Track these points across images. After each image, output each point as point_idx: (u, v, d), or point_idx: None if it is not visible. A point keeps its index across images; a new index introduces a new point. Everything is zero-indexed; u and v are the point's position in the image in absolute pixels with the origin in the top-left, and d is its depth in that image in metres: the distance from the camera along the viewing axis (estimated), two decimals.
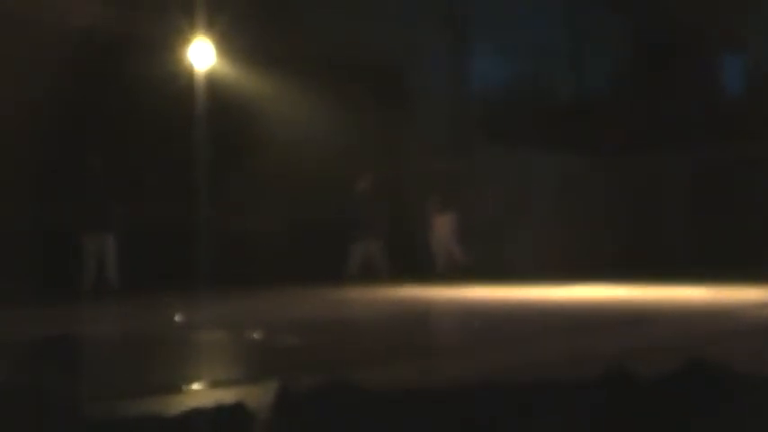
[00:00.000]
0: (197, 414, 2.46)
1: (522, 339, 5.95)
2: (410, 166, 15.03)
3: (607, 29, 17.35)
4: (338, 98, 13.92)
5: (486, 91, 17.15)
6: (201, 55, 13.38)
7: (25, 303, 9.91)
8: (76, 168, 12.13)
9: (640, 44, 16.50)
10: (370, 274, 13.05)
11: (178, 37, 13.30)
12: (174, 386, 4.38)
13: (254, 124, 14.12)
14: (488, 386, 2.91)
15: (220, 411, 2.37)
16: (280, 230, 13.87)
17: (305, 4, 14.71)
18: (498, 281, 11.88)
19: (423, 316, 8.74)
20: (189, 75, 13.41)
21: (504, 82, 17.25)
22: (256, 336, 7.05)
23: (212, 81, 13.46)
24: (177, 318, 8.68)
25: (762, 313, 7.58)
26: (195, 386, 4.48)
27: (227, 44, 13.65)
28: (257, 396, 3.82)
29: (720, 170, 14.62)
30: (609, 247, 14.61)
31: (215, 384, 4.53)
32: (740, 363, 3.30)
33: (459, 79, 17.12)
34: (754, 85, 15.89)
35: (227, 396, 4.10)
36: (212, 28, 13.29)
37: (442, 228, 13.84)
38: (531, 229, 15.12)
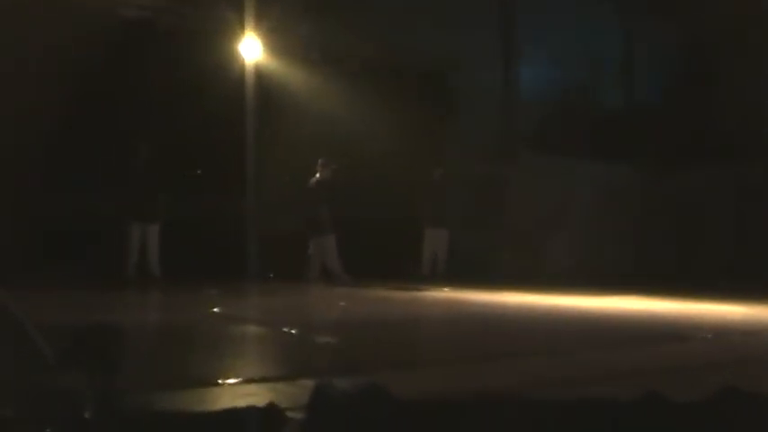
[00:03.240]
0: (229, 414, 2.50)
1: (547, 353, 5.92)
2: (453, 169, 15.02)
3: (658, 39, 17.15)
4: (385, 99, 13.96)
5: (534, 97, 17.05)
6: (250, 50, 13.51)
7: (68, 289, 10.09)
8: (125, 156, 12.33)
9: (690, 56, 16.29)
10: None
11: (228, 31, 13.45)
12: (206, 381, 4.44)
13: (300, 121, 14.21)
14: (510, 400, 2.91)
15: (253, 412, 2.41)
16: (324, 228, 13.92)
17: (354, 4, 14.76)
18: (537, 288, 11.82)
19: (454, 319, 8.74)
20: (239, 69, 13.56)
21: (553, 89, 17.13)
22: (293, 331, 7.09)
23: (260, 76, 13.58)
24: (216, 310, 8.78)
25: None
26: (226, 382, 4.53)
27: (277, 40, 13.76)
28: (290, 395, 3.88)
29: (765, 186, 14.40)
30: (650, 259, 14.46)
31: (248, 381, 4.57)
32: None
33: (508, 84, 17.04)
34: None
35: (259, 393, 4.17)
36: (262, 23, 13.42)
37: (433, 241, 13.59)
38: (573, 238, 15.02)
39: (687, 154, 15.10)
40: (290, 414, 2.59)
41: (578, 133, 15.97)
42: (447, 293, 11.86)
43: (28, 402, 2.45)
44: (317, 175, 12.87)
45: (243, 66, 13.55)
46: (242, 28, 13.48)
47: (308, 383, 4.31)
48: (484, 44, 16.65)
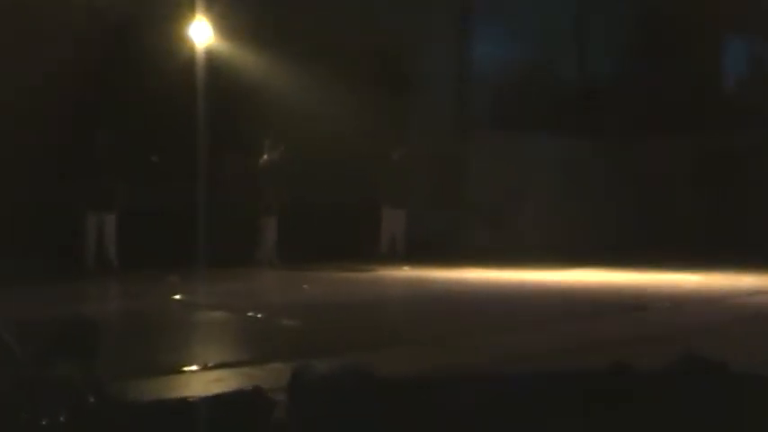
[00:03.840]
0: (216, 399, 2.50)
1: (511, 327, 6.00)
2: (411, 149, 15.03)
3: (612, 12, 17.30)
4: (339, 80, 13.91)
5: (490, 74, 17.11)
6: (201, 33, 13.37)
7: (26, 280, 9.95)
8: (80, 146, 12.16)
9: (644, 28, 16.46)
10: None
11: (178, 15, 13.29)
12: (175, 368, 4.43)
13: (254, 104, 14.11)
14: (478, 376, 2.95)
15: (240, 396, 2.42)
16: (283, 211, 13.89)
17: None
18: (499, 264, 11.93)
19: (424, 298, 8.79)
20: (189, 52, 13.40)
21: (508, 65, 17.20)
22: (258, 315, 7.08)
23: (211, 59, 13.44)
24: (176, 297, 8.73)
25: (751, 301, 7.64)
26: (195, 368, 4.52)
27: (227, 23, 13.63)
28: (260, 379, 3.89)
29: (721, 156, 14.65)
30: (608, 232, 14.67)
31: (217, 366, 4.57)
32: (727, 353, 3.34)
33: (463, 62, 17.09)
34: (758, 70, 15.88)
35: (228, 378, 4.18)
36: (212, 6, 13.28)
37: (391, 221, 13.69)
38: (532, 213, 15.17)
39: (644, 126, 15.29)
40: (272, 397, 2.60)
41: (535, 108, 16.08)
42: (407, 272, 11.92)
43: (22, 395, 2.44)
44: (265, 156, 12.90)
45: (194, 50, 13.40)
46: (192, 12, 13.32)
47: (277, 367, 4.35)
48: (437, 22, 16.67)
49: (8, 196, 11.95)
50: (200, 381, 4.10)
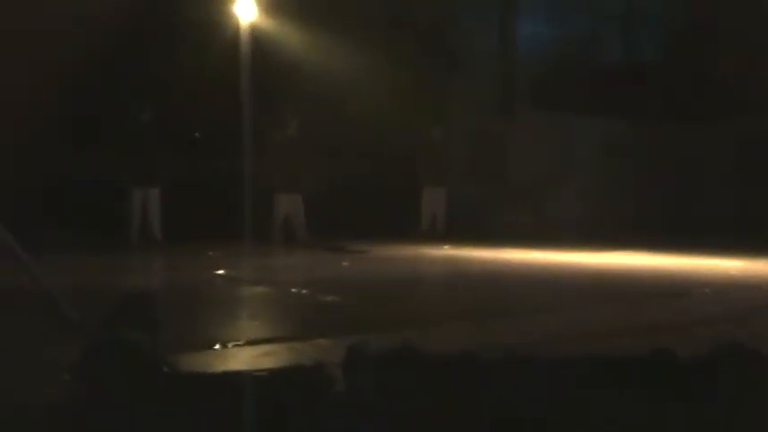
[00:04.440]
0: (278, 373, 2.59)
1: (554, 309, 6.04)
2: (452, 127, 14.99)
3: None
4: (382, 57, 13.92)
5: (534, 52, 16.98)
6: (246, 9, 13.44)
7: (72, 253, 10.17)
8: (125, 121, 12.33)
9: (691, 10, 16.22)
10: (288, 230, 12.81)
11: None
12: (224, 341, 4.53)
13: (298, 80, 14.18)
14: (514, 359, 3.00)
15: (302, 371, 2.50)
16: (321, 188, 13.99)
17: None
18: (541, 245, 11.92)
19: (459, 276, 8.85)
20: (234, 29, 13.49)
21: (553, 44, 17.06)
22: (298, 292, 7.18)
23: (256, 36, 13.51)
24: (219, 272, 8.86)
25: None
26: (245, 342, 4.62)
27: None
28: (308, 354, 3.98)
29: (765, 142, 14.45)
30: (650, 216, 14.56)
31: (265, 341, 4.66)
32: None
33: (507, 41, 16.99)
34: None
35: (277, 353, 4.27)
36: None
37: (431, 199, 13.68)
38: (574, 194, 15.10)
39: (688, 109, 15.11)
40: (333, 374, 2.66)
41: (578, 89, 15.96)
42: (447, 251, 11.97)
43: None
44: (287, 131, 12.88)
45: (238, 26, 13.48)
46: None
47: (322, 342, 4.44)
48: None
49: (55, 171, 12.19)
50: (247, 355, 4.19)
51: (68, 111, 12.22)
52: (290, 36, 14.15)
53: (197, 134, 14.15)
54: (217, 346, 4.33)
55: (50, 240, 10.81)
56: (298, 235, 12.65)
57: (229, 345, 4.41)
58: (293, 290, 7.26)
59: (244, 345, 4.46)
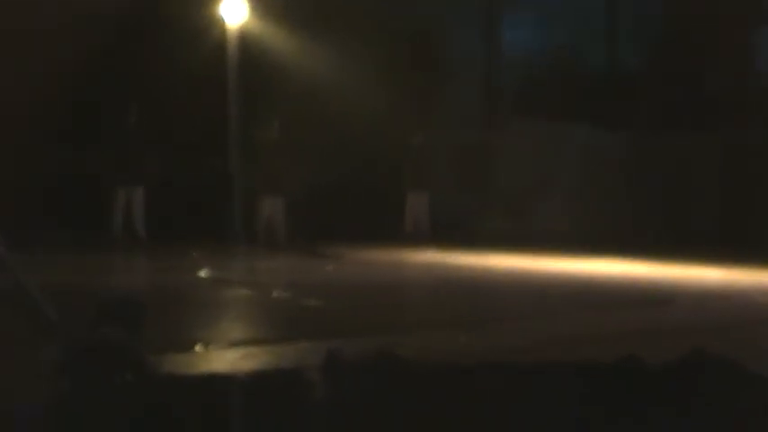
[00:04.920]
0: (256, 376, 2.62)
1: (535, 315, 6.09)
2: (440, 133, 15.05)
3: (644, 1, 17.18)
4: (369, 62, 13.97)
5: (520, 61, 17.06)
6: (234, 11, 13.47)
7: (55, 251, 10.15)
8: (110, 119, 12.33)
9: (678, 18, 16.31)
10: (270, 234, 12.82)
11: None
12: (204, 343, 4.55)
13: (284, 83, 14.21)
14: (490, 366, 3.04)
15: (281, 374, 2.53)
16: (305, 191, 14.01)
17: None
18: (523, 251, 11.97)
19: (445, 284, 8.88)
20: (221, 30, 13.52)
21: (538, 52, 17.13)
22: (279, 295, 7.19)
23: (243, 38, 13.54)
24: (201, 273, 8.87)
25: None
26: (225, 344, 4.64)
27: (259, 2, 13.72)
28: (288, 357, 4.01)
29: (750, 151, 14.56)
30: (634, 223, 14.64)
31: (246, 343, 4.69)
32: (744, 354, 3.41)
33: (493, 48, 17.06)
34: None
35: (258, 355, 4.30)
36: None
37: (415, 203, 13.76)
38: (557, 202, 15.16)
39: (673, 118, 15.21)
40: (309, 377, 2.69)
41: (564, 96, 16.03)
42: (430, 256, 12.01)
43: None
44: (270, 133, 12.90)
45: (226, 28, 13.51)
46: None
47: (303, 346, 4.47)
48: (468, 7, 16.65)
49: (40, 169, 12.17)
50: (226, 358, 4.22)
51: (55, 110, 12.20)
52: (278, 39, 14.18)
53: (182, 133, 14.13)
54: (197, 348, 4.35)
55: (34, 238, 10.79)
56: (277, 238, 12.65)
57: (209, 347, 4.43)
58: (274, 293, 7.27)
59: (224, 347, 4.49)
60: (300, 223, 12.95)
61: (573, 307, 6.55)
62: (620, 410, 2.55)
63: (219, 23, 13.54)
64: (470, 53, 16.69)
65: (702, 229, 14.11)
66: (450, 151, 15.16)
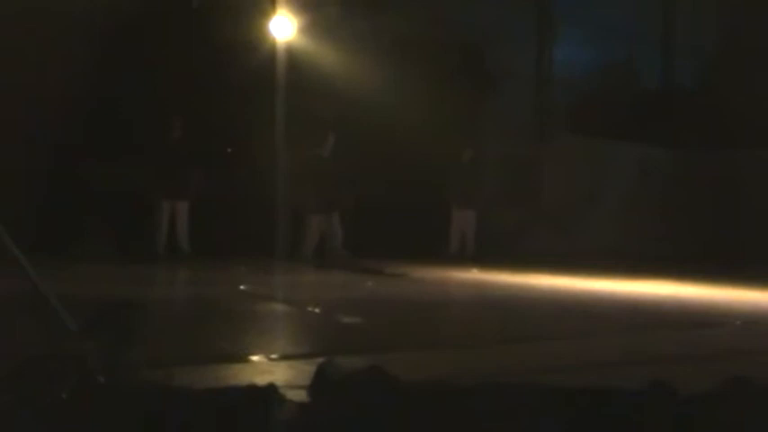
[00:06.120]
0: (224, 392, 2.51)
1: (576, 335, 5.89)
2: (489, 149, 14.90)
3: (699, 19, 16.85)
4: (418, 78, 13.88)
5: (571, 77, 16.85)
6: (282, 27, 13.50)
7: (96, 263, 10.22)
8: (157, 134, 12.42)
9: (732, 37, 15.99)
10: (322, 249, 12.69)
11: (259, 8, 13.44)
12: (225, 356, 4.46)
13: (332, 99, 14.18)
14: (522, 384, 2.88)
15: (251, 390, 2.41)
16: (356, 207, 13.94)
17: None
18: (568, 270, 11.73)
19: (485, 301, 8.71)
20: (270, 46, 13.55)
21: (590, 69, 16.92)
22: (316, 310, 7.11)
23: (291, 54, 13.56)
24: (242, 287, 8.83)
25: None
26: (245, 358, 4.55)
27: (308, 17, 13.73)
28: (308, 373, 3.88)
29: None
30: (684, 243, 14.30)
31: (267, 358, 4.59)
32: None
33: (543, 64, 16.88)
34: None
35: (277, 370, 4.19)
36: (293, 0, 13.39)
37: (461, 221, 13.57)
38: (605, 221, 14.89)
39: (724, 136, 14.87)
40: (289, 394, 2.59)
41: (614, 114, 15.80)
42: (474, 275, 11.82)
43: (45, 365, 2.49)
44: (315, 149, 12.84)
45: (274, 44, 13.54)
46: (273, 6, 13.46)
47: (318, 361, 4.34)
48: (519, 22, 16.50)
49: (86, 182, 12.32)
50: (245, 371, 4.11)
51: (101, 123, 12.35)
52: (325, 55, 14.17)
53: (229, 149, 14.20)
54: (205, 362, 4.24)
55: (79, 250, 10.92)
56: (331, 253, 12.58)
57: (228, 360, 4.33)
58: (310, 308, 7.18)
59: (242, 361, 4.39)
60: (347, 239, 12.87)
61: (610, 329, 6.33)
62: None
63: (269, 39, 13.58)
64: (522, 68, 16.52)
65: (757, 249, 13.71)
66: (499, 168, 15.00)
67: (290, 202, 13.10)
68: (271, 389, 2.28)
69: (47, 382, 2.26)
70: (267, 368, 4.28)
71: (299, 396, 2.95)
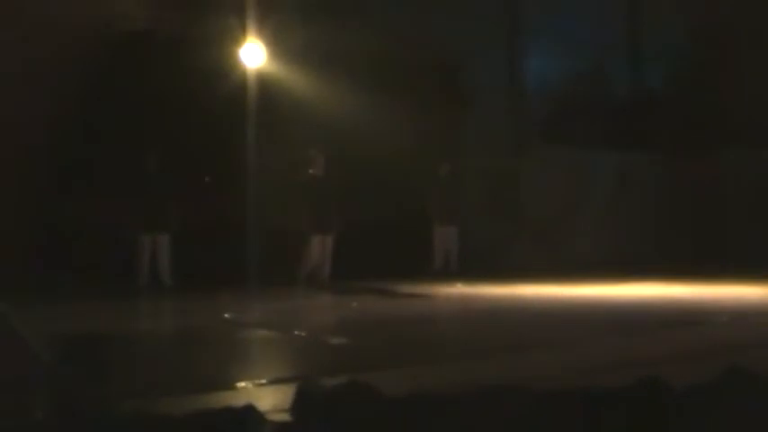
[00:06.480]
0: (204, 415, 2.44)
1: (567, 341, 5.86)
2: (467, 163, 14.90)
3: (666, 24, 17.00)
4: (392, 96, 13.87)
5: (544, 88, 16.91)
6: (252, 55, 13.46)
7: (77, 299, 10.09)
8: (134, 167, 12.33)
9: (700, 41, 16.13)
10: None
11: (230, 37, 13.40)
12: (210, 384, 4.40)
13: (304, 124, 14.15)
14: (520, 389, 2.83)
15: (229, 413, 2.35)
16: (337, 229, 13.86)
17: (359, 3, 14.69)
18: (553, 279, 11.71)
19: (475, 315, 8.67)
20: (241, 74, 13.50)
21: (562, 79, 16.99)
22: (302, 334, 7.05)
23: (263, 81, 13.51)
24: (226, 315, 8.74)
25: None
26: (230, 385, 4.49)
27: (279, 44, 13.70)
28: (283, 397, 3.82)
29: None
30: (665, 246, 14.35)
31: (255, 384, 4.54)
32: None
33: (516, 77, 16.95)
34: None
35: (265, 396, 4.12)
36: (264, 28, 13.36)
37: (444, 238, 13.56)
38: (586, 228, 14.92)
39: (701, 140, 14.96)
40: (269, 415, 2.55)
41: (589, 122, 15.86)
42: (460, 289, 11.78)
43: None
44: (310, 170, 12.77)
45: (246, 71, 13.50)
46: (243, 34, 13.43)
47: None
48: (491, 36, 16.57)
49: (65, 216, 12.21)
50: (232, 398, 4.04)
51: (78, 158, 12.26)
52: (298, 78, 14.14)
53: (207, 179, 14.11)
54: (192, 391, 4.17)
55: (58, 285, 10.79)
56: (319, 277, 12.45)
57: (213, 388, 4.27)
58: (296, 332, 7.13)
59: (226, 388, 4.32)
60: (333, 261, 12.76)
61: (601, 332, 6.31)
62: None
63: (240, 66, 13.53)
64: (496, 82, 16.57)
65: (735, 249, 13.79)
66: (478, 181, 15.00)
67: (291, 225, 12.99)
68: (248, 410, 2.22)
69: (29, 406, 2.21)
70: (255, 394, 4.22)
71: (286, 419, 2.90)
